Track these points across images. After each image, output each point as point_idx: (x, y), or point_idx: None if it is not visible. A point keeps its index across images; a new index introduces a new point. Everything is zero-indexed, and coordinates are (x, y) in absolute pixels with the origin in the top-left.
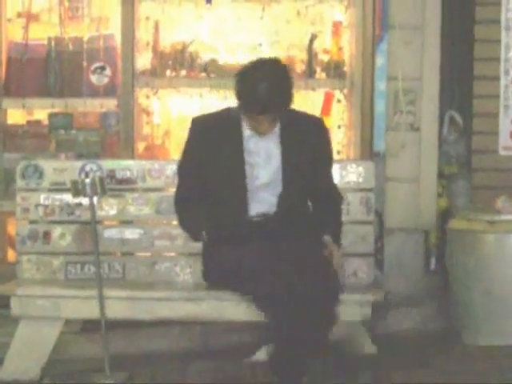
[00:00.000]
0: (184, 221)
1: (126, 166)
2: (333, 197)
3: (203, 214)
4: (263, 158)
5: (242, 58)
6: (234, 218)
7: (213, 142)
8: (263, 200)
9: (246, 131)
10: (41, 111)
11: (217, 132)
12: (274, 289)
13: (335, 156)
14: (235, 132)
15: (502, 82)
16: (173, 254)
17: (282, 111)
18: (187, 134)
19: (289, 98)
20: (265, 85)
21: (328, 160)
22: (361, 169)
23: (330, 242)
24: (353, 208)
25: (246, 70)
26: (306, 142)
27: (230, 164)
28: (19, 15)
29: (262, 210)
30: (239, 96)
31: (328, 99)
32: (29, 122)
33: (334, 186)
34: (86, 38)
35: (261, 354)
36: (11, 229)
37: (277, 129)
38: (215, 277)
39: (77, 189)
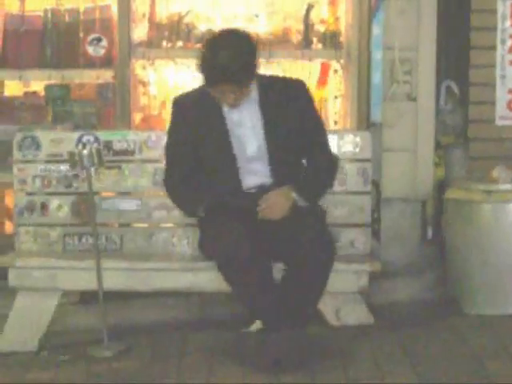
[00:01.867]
0: (180, 201)
1: (122, 137)
2: (320, 157)
3: (198, 192)
4: (249, 128)
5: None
6: (229, 191)
7: (196, 119)
8: (257, 171)
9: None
10: (37, 83)
11: (199, 109)
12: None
13: (332, 126)
14: (215, 106)
15: (499, 51)
16: (170, 225)
17: (244, 82)
18: (170, 115)
19: (250, 68)
20: (224, 53)
21: (313, 122)
22: (358, 139)
23: (276, 191)
24: (350, 178)
25: (208, 41)
26: (288, 107)
27: (216, 139)
28: None
29: (258, 182)
30: (200, 67)
31: (324, 70)
32: (25, 94)
33: (326, 149)
34: (82, 10)
35: (258, 324)
36: (9, 200)
37: (256, 96)
38: (210, 250)
39: (74, 160)
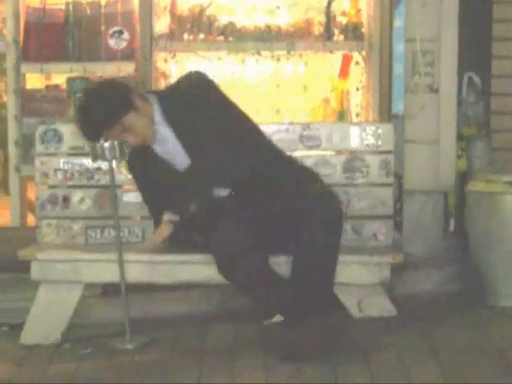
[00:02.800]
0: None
1: None
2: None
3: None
4: (173, 152)
5: (260, 20)
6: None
7: (143, 168)
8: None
9: None
10: (59, 76)
11: (141, 158)
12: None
13: (354, 118)
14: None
15: None
16: None
17: (102, 135)
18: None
19: (107, 110)
20: (78, 114)
21: (220, 118)
22: (380, 131)
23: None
24: (372, 170)
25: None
26: (193, 115)
27: (162, 173)
28: None
29: (223, 193)
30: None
31: (346, 61)
32: (47, 87)
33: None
34: (103, 2)
35: (279, 317)
36: (31, 193)
37: (160, 118)
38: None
39: (96, 153)
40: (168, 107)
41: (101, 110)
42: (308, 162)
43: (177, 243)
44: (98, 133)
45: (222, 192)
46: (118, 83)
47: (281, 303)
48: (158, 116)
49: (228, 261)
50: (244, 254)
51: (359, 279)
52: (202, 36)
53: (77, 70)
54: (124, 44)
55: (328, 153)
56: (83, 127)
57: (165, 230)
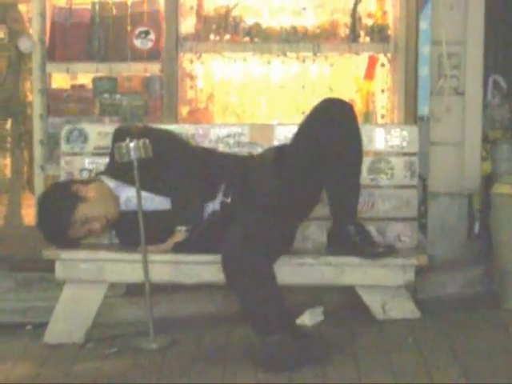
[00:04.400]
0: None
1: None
2: None
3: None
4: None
5: (286, 21)
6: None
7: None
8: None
9: None
10: (85, 75)
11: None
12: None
13: (379, 120)
14: None
15: None
16: None
17: (68, 237)
18: None
19: (57, 233)
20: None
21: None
22: (405, 133)
23: None
24: (397, 172)
25: None
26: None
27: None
28: None
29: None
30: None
31: (372, 63)
32: (73, 87)
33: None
34: (130, 2)
35: (304, 318)
36: None
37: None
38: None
39: (121, 153)
40: (115, 171)
41: (51, 221)
42: None
43: (188, 250)
44: (63, 238)
45: (227, 199)
46: (57, 186)
47: (271, 312)
48: (112, 183)
49: (235, 259)
50: (252, 256)
51: (383, 281)
52: (227, 37)
53: (103, 69)
54: (150, 44)
55: None
56: (48, 239)
57: (177, 236)
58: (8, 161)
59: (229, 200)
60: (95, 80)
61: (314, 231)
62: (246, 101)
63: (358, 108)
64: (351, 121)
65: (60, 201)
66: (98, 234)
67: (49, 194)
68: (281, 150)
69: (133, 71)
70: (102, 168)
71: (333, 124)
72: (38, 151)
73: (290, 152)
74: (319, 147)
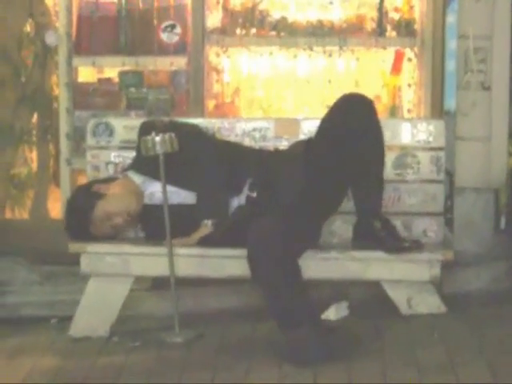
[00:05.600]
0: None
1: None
2: None
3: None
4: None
5: (313, 16)
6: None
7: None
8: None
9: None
10: (111, 69)
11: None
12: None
13: (405, 114)
14: None
15: None
16: None
17: (89, 232)
18: None
19: (78, 228)
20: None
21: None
22: (431, 127)
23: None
24: (423, 167)
25: None
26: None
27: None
28: None
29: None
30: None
31: (398, 58)
32: (99, 80)
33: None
34: None
35: (329, 313)
36: None
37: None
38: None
39: (147, 147)
40: (142, 166)
41: (74, 222)
42: None
43: (214, 244)
44: (85, 232)
45: (252, 193)
46: (79, 188)
47: (296, 306)
48: (138, 179)
49: (260, 253)
50: (277, 250)
51: (409, 276)
52: (254, 31)
53: (129, 63)
54: (176, 38)
55: None
56: (72, 235)
57: (203, 230)
58: (34, 154)
59: (254, 194)
60: (121, 74)
61: (340, 226)
62: (272, 95)
63: (385, 102)
64: (371, 116)
65: (81, 201)
66: (123, 229)
67: (72, 197)
68: (307, 144)
69: (159, 65)
70: (128, 162)
71: (352, 120)
72: (63, 145)
73: (313, 148)
74: (340, 143)
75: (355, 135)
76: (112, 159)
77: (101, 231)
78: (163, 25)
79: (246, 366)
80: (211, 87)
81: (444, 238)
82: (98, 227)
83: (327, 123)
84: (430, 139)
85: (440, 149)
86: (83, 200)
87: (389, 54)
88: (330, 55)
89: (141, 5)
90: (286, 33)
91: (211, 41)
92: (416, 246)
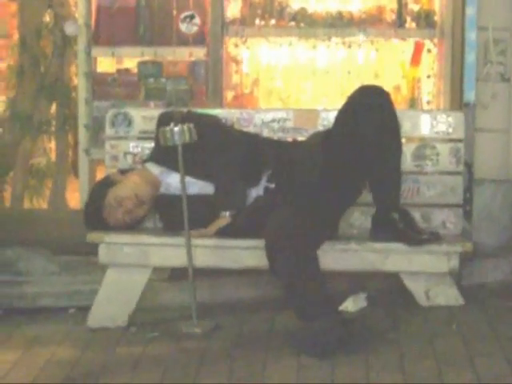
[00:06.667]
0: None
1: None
2: None
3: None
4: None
5: (332, 6)
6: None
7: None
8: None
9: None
10: (130, 59)
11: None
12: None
13: (425, 106)
14: None
15: None
16: None
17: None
18: None
19: (94, 215)
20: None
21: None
22: (450, 119)
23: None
24: (442, 159)
25: None
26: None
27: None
28: None
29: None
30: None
31: (418, 49)
32: (118, 71)
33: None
34: None
35: (348, 305)
36: (100, 176)
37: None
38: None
39: (165, 137)
40: (161, 156)
41: (89, 211)
42: None
43: (232, 235)
44: (101, 221)
45: (270, 185)
46: (97, 182)
47: (314, 297)
48: (157, 170)
49: (278, 244)
50: (295, 241)
51: (428, 268)
52: (273, 21)
53: (148, 54)
54: (195, 29)
55: None
56: (89, 225)
57: (221, 221)
58: (53, 144)
59: (273, 185)
60: (140, 64)
61: (359, 217)
62: (291, 86)
63: (404, 94)
64: (387, 108)
65: (96, 192)
66: (137, 216)
67: (90, 189)
68: (325, 136)
69: (178, 55)
70: (147, 152)
71: (369, 112)
72: (82, 135)
73: (331, 139)
74: (356, 135)
75: (372, 127)
76: (130, 149)
77: (115, 218)
78: (182, 15)
79: (264, 356)
80: (230, 78)
81: (463, 229)
82: (111, 215)
83: (344, 115)
84: (450, 131)
85: (459, 140)
86: (98, 189)
87: (408, 46)
88: (350, 46)
89: None
90: (306, 23)
91: (230, 31)
92: (435, 237)
